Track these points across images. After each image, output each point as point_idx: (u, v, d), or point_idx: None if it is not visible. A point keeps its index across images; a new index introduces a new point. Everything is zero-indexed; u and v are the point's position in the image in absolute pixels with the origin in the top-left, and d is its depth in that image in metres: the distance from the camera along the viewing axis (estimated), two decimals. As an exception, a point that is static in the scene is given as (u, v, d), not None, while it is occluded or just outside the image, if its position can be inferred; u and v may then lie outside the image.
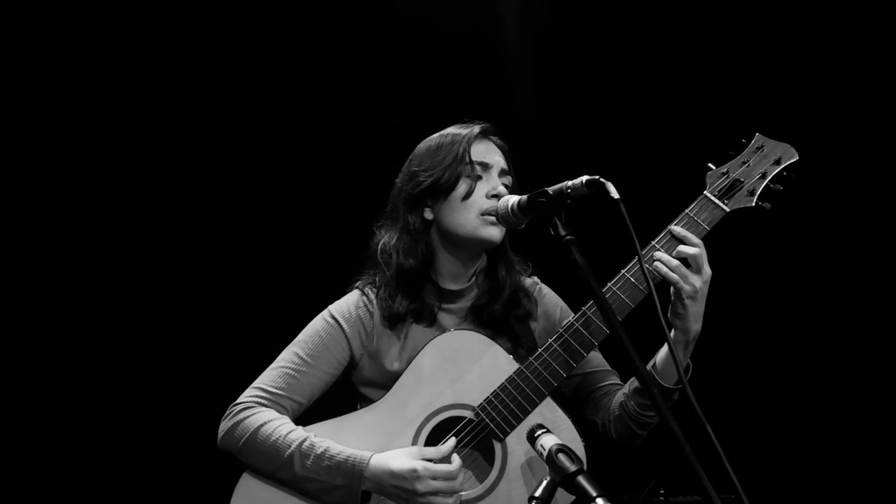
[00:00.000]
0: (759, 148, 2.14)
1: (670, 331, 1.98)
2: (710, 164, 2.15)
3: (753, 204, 2.09)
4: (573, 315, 2.30)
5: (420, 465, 1.95)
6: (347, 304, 2.29)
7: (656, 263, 1.98)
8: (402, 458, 1.98)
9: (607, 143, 3.39)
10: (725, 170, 2.12)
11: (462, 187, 2.19)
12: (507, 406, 2.03)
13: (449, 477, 1.95)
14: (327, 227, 3.18)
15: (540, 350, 2.06)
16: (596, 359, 2.28)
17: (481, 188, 2.20)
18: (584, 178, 1.80)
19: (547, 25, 3.37)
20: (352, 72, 3.40)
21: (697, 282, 1.97)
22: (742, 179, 2.11)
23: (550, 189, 1.86)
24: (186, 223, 3.41)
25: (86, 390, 3.29)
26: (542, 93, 3.46)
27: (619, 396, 2.19)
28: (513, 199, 2.05)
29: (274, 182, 3.44)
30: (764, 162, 2.13)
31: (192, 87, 3.36)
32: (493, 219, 2.16)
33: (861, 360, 3.27)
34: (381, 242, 2.31)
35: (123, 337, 3.33)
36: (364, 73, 3.40)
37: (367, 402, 2.24)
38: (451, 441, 2.02)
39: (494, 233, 2.18)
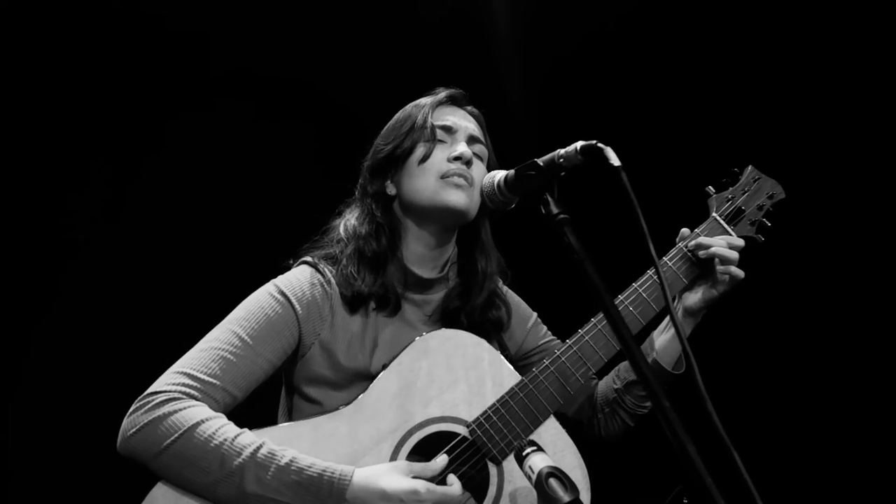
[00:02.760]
0: (755, 180, 2.12)
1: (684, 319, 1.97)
2: (709, 188, 2.10)
3: (754, 234, 2.06)
4: (538, 329, 2.14)
5: (421, 485, 1.59)
6: (299, 281, 1.87)
7: (713, 248, 1.90)
8: (394, 475, 1.60)
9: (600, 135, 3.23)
10: (730, 195, 2.08)
11: (419, 150, 1.93)
12: (508, 424, 1.75)
13: (453, 502, 1.62)
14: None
15: (546, 362, 1.82)
16: None
17: (442, 151, 1.94)
18: (579, 143, 1.53)
19: (536, 14, 3.16)
20: (333, 61, 3.06)
21: None
22: (744, 208, 2.07)
23: (540, 160, 1.59)
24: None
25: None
26: (531, 85, 3.23)
27: (604, 391, 2.05)
28: (499, 175, 1.76)
29: (257, 175, 3.07)
30: (759, 194, 2.11)
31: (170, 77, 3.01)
32: (456, 181, 1.89)
33: (853, 364, 3.18)
34: (342, 223, 1.99)
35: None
36: (346, 61, 3.05)
37: (310, 405, 1.83)
38: (443, 458, 1.69)
39: (457, 198, 1.88)
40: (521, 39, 3.19)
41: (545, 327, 2.17)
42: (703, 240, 1.95)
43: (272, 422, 1.85)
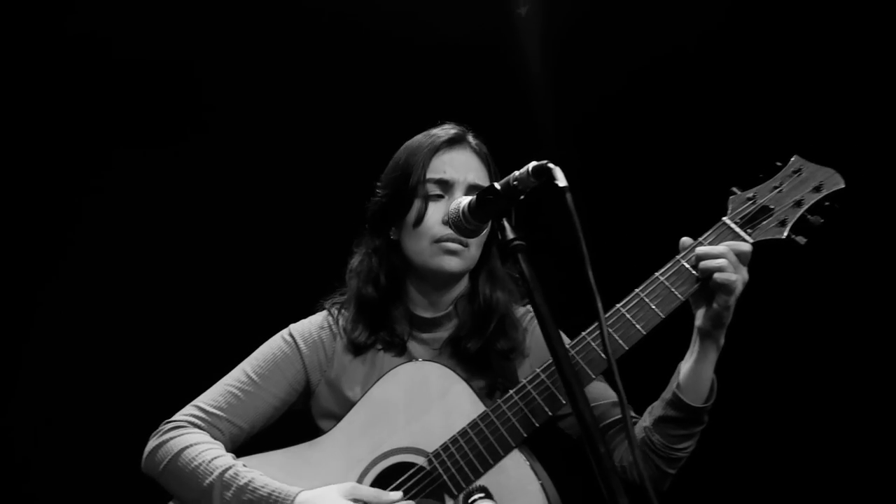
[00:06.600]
0: (795, 172, 1.80)
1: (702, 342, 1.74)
2: (734, 189, 1.82)
3: (784, 236, 1.73)
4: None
5: None
6: (310, 324, 2.04)
7: (703, 262, 1.68)
8: (334, 496, 1.68)
9: (632, 169, 3.08)
10: (752, 195, 1.78)
11: (413, 212, 1.92)
12: (466, 456, 1.70)
13: None
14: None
15: (511, 392, 1.73)
16: (596, 390, 1.91)
17: (436, 211, 1.90)
18: (532, 164, 1.45)
19: (567, 55, 3.11)
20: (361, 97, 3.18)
21: (744, 275, 1.68)
22: (771, 207, 1.76)
23: (498, 184, 1.52)
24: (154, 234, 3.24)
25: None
26: (564, 124, 3.16)
27: (636, 431, 1.85)
28: (464, 202, 1.64)
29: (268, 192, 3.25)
30: (801, 188, 1.77)
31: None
32: (450, 246, 1.87)
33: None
34: (349, 267, 2.07)
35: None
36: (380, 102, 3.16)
37: None
38: (397, 494, 1.70)
39: (450, 263, 1.88)
40: (552, 77, 3.08)
41: None
42: (700, 249, 1.70)
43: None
